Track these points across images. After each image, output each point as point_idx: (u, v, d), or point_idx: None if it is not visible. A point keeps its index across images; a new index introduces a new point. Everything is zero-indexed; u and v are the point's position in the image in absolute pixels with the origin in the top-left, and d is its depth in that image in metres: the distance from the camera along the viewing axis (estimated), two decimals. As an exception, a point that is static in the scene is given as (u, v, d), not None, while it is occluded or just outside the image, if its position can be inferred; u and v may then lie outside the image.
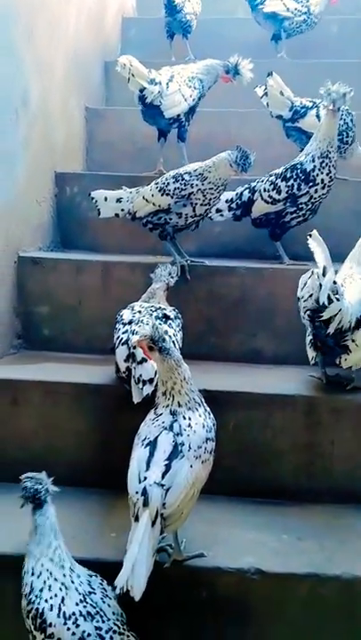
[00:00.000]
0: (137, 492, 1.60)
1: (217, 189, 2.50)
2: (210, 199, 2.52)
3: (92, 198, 2.70)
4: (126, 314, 2.22)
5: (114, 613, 1.56)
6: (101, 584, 1.62)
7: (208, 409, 1.81)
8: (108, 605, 1.57)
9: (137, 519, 1.57)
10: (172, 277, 2.42)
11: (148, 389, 1.94)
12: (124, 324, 2.15)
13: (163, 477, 1.61)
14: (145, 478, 1.61)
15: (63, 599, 1.55)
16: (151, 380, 1.95)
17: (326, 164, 2.61)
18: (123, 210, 2.66)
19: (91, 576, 1.64)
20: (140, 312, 2.21)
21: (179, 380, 1.74)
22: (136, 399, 1.96)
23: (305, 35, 4.06)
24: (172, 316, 2.23)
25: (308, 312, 2.21)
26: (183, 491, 1.61)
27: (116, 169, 3.35)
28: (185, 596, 1.79)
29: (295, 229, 2.75)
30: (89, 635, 1.50)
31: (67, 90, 3.36)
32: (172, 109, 2.96)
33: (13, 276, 2.71)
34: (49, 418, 2.25)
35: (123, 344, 2.09)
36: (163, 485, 1.60)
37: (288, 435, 2.19)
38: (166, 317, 2.20)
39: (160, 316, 2.20)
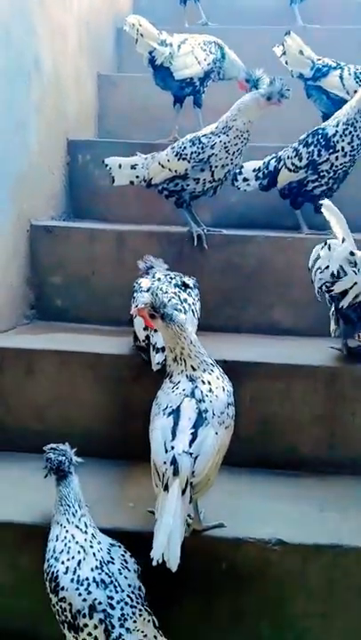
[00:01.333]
0: (165, 462, 1.56)
1: (242, 140, 2.41)
2: (233, 154, 2.42)
3: (106, 165, 2.64)
4: (145, 282, 2.17)
5: (129, 585, 1.53)
6: (123, 555, 1.60)
7: (222, 370, 1.77)
8: (125, 577, 1.54)
9: (166, 489, 1.53)
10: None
11: (159, 357, 1.90)
12: (143, 292, 2.09)
13: (190, 446, 1.58)
14: (172, 447, 1.58)
15: (79, 562, 1.53)
16: (163, 349, 1.90)
17: (350, 132, 2.52)
18: (138, 177, 2.60)
19: (113, 545, 1.61)
20: (159, 279, 2.15)
21: (186, 345, 1.70)
22: (155, 366, 1.93)
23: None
24: (191, 285, 2.18)
25: (324, 284, 2.14)
26: (211, 458, 1.58)
27: (129, 137, 3.26)
28: (204, 567, 1.75)
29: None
30: (100, 603, 1.48)
31: (79, 56, 3.27)
32: (184, 71, 2.87)
33: (26, 245, 2.66)
34: (64, 388, 2.22)
35: None
36: (191, 454, 1.57)
37: (308, 406, 2.14)
38: (185, 285, 2.16)
39: (179, 283, 2.15)
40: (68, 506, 1.61)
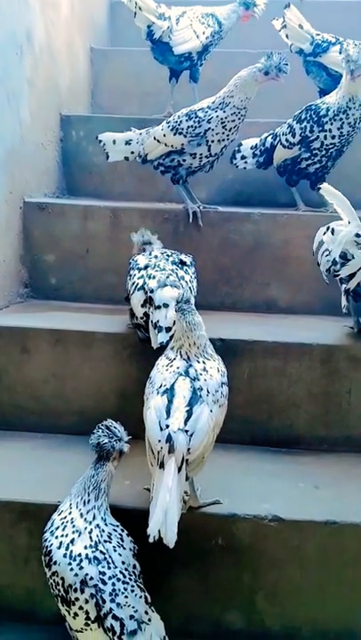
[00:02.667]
0: (160, 440, 1.56)
1: (239, 116, 2.38)
2: (230, 130, 2.39)
3: (100, 141, 2.60)
4: (141, 259, 2.14)
5: (123, 562, 1.54)
6: (120, 534, 1.60)
7: (220, 358, 1.77)
8: (120, 554, 1.55)
9: (162, 466, 1.53)
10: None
11: (163, 337, 1.87)
12: (140, 269, 2.07)
13: (185, 423, 1.57)
14: (167, 426, 1.57)
15: (73, 540, 1.53)
16: (169, 329, 1.88)
17: (340, 119, 2.48)
18: (132, 152, 2.56)
19: (113, 527, 1.61)
20: (156, 257, 2.13)
21: (188, 343, 1.70)
22: (155, 344, 1.89)
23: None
24: (188, 262, 2.16)
25: (331, 267, 2.12)
26: (206, 436, 1.58)
27: (123, 113, 3.22)
28: (201, 543, 1.76)
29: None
30: (91, 578, 1.48)
31: (72, 29, 3.20)
32: (183, 45, 2.82)
33: (19, 222, 2.62)
34: (59, 366, 2.20)
35: (139, 289, 2.01)
36: (187, 431, 1.56)
37: (304, 384, 2.14)
38: (183, 263, 2.13)
39: (177, 261, 2.12)
40: (84, 491, 1.60)
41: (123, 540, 1.57)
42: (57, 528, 1.56)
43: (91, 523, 1.56)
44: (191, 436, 1.56)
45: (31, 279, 2.67)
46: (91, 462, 1.65)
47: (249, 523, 1.74)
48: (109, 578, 1.49)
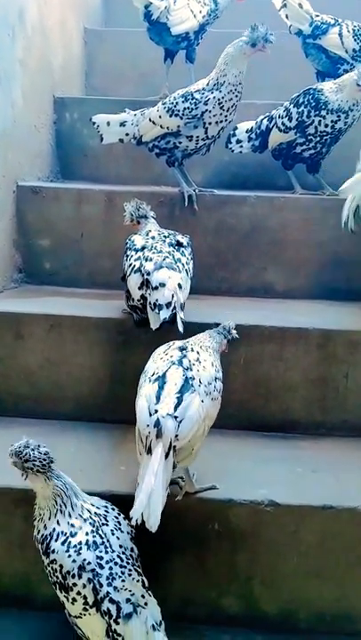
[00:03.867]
0: (148, 425, 1.54)
1: (235, 94, 2.33)
2: (227, 110, 2.34)
3: (94, 123, 2.55)
4: (138, 239, 2.11)
5: (121, 546, 1.53)
6: (117, 517, 1.59)
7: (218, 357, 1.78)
8: (117, 538, 1.54)
9: (149, 452, 1.52)
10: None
11: (165, 313, 1.86)
12: (137, 251, 2.05)
13: (175, 410, 1.56)
14: (156, 411, 1.56)
15: (73, 533, 1.51)
16: (168, 304, 1.87)
17: (338, 116, 2.46)
18: (127, 134, 2.52)
19: (107, 508, 1.60)
20: (153, 238, 2.10)
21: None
22: (154, 325, 1.87)
23: None
24: (184, 243, 2.13)
25: None
26: (195, 424, 1.56)
27: (118, 94, 3.18)
28: (197, 528, 1.75)
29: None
30: (89, 563, 1.48)
31: (65, 9, 3.14)
32: (180, 26, 2.77)
33: (12, 206, 2.59)
34: (54, 352, 2.18)
35: (135, 272, 1.98)
36: (176, 417, 1.55)
37: (301, 368, 2.12)
38: (180, 244, 2.10)
39: (173, 242, 2.10)
40: (63, 504, 1.55)
41: (120, 524, 1.57)
42: (49, 519, 1.54)
43: (83, 515, 1.54)
44: (180, 422, 1.54)
45: (25, 264, 2.64)
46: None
47: (246, 508, 1.73)
48: (107, 562, 1.49)
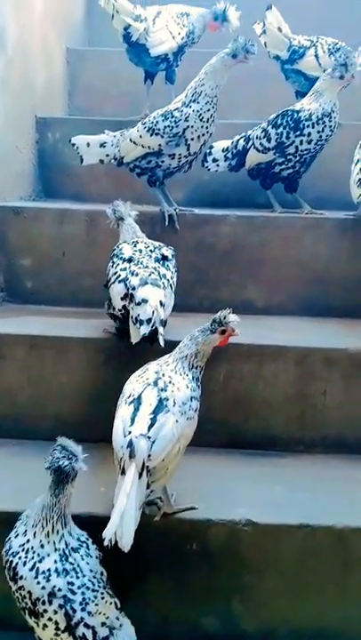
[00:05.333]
0: (122, 447, 1.56)
1: (213, 105, 2.36)
2: (207, 121, 2.37)
3: (74, 145, 2.58)
4: (126, 249, 2.14)
5: (91, 570, 1.53)
6: (86, 542, 1.59)
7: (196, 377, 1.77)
8: (87, 563, 1.54)
9: (123, 472, 1.54)
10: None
11: (145, 329, 1.90)
12: (124, 260, 2.08)
13: (149, 430, 1.57)
14: (130, 432, 1.57)
15: (41, 560, 1.51)
16: (149, 320, 1.90)
17: (323, 123, 2.50)
18: (107, 155, 2.55)
19: (78, 535, 1.60)
20: (140, 251, 2.13)
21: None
22: (134, 339, 1.92)
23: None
24: (169, 256, 2.17)
25: None
26: (169, 444, 1.58)
27: (100, 114, 3.21)
28: (176, 548, 1.77)
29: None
30: (59, 589, 1.47)
31: (46, 29, 3.18)
32: (159, 47, 2.81)
33: (-6, 226, 2.61)
34: (34, 372, 2.19)
35: (120, 281, 2.02)
36: (149, 437, 1.56)
37: (280, 385, 2.15)
38: (165, 258, 2.14)
39: (159, 257, 2.13)
40: (47, 521, 1.52)
41: (89, 549, 1.57)
42: (17, 553, 1.52)
43: (58, 542, 1.53)
44: (153, 442, 1.56)
45: (7, 283, 2.65)
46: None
47: (224, 527, 1.75)
48: (78, 587, 1.49)
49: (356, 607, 1.77)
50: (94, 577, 1.52)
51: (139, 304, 1.94)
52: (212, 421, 2.07)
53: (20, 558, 1.52)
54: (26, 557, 1.51)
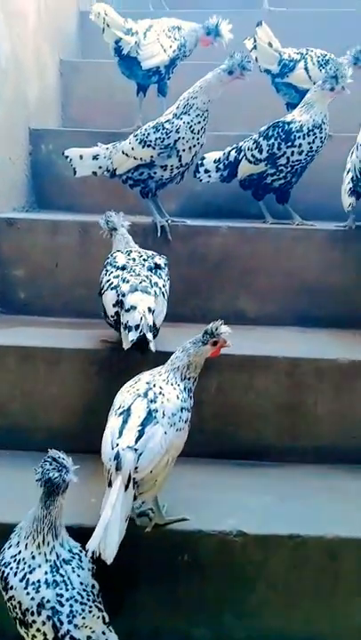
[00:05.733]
0: (110, 459, 1.57)
1: (204, 118, 2.39)
2: (198, 133, 2.39)
3: (67, 157, 2.60)
4: (120, 258, 2.17)
5: (81, 583, 1.54)
6: (79, 554, 1.59)
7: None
8: (78, 575, 1.54)
9: (110, 484, 1.55)
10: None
11: (133, 335, 1.93)
12: (117, 268, 2.12)
13: (136, 442, 1.58)
14: (117, 444, 1.59)
15: (32, 570, 1.52)
16: (137, 327, 1.94)
17: (314, 134, 2.52)
18: (100, 167, 2.57)
19: (71, 547, 1.61)
20: (133, 260, 2.16)
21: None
22: (125, 345, 1.96)
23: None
24: (162, 265, 2.21)
25: None
26: (157, 456, 1.58)
27: (94, 126, 3.23)
28: (167, 559, 1.77)
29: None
30: (48, 601, 1.49)
31: (40, 41, 3.20)
32: (150, 60, 2.84)
33: (-13, 237, 2.62)
34: (27, 383, 2.20)
35: (112, 289, 2.06)
36: (136, 450, 1.57)
37: (271, 396, 2.16)
38: (157, 267, 2.18)
39: (152, 266, 2.17)
40: (38, 533, 1.54)
41: (82, 561, 1.57)
42: (9, 563, 1.54)
43: (49, 554, 1.54)
44: (140, 455, 1.57)
45: (0, 294, 2.67)
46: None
47: (214, 538, 1.76)
48: (67, 600, 1.50)
49: (346, 617, 1.78)
50: (84, 590, 1.52)
51: (128, 310, 1.98)
52: (203, 432, 2.08)
53: (11, 569, 1.53)
54: (17, 568, 1.53)
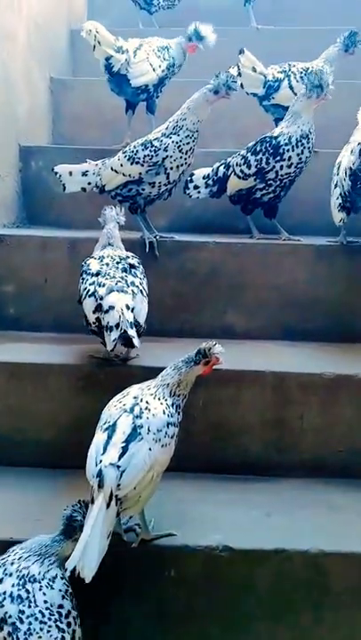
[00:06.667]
0: (93, 476, 1.58)
1: (193, 139, 2.44)
2: (186, 153, 2.44)
3: (56, 173, 2.63)
4: (93, 264, 2.20)
5: (45, 602, 1.53)
6: (55, 577, 1.58)
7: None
8: (44, 594, 1.54)
9: (93, 501, 1.55)
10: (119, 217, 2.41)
11: (114, 334, 1.98)
12: (92, 275, 2.15)
13: (119, 459, 1.59)
14: (101, 461, 1.59)
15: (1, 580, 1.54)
16: (117, 325, 1.98)
17: (302, 144, 2.56)
18: (89, 183, 2.60)
19: (48, 570, 1.60)
20: (107, 265, 2.20)
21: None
22: (109, 346, 2.00)
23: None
24: (135, 264, 2.24)
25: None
26: (140, 473, 1.59)
27: (84, 142, 3.27)
28: (153, 575, 1.77)
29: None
30: (10, 616, 1.49)
31: (30, 59, 3.24)
32: (140, 78, 2.88)
33: (-23, 254, 2.64)
34: (15, 399, 2.21)
35: (90, 296, 2.09)
36: (119, 467, 1.58)
37: (258, 410, 2.18)
38: (132, 267, 2.22)
39: (126, 267, 2.20)
40: (32, 553, 1.59)
41: (53, 581, 1.56)
42: None
43: (22, 569, 1.57)
44: (123, 472, 1.57)
45: (-10, 310, 2.68)
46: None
47: (201, 554, 1.76)
48: (27, 617, 1.49)
49: (332, 631, 1.78)
50: (47, 609, 1.51)
51: (107, 312, 2.03)
52: (190, 446, 2.09)
53: None
54: None
